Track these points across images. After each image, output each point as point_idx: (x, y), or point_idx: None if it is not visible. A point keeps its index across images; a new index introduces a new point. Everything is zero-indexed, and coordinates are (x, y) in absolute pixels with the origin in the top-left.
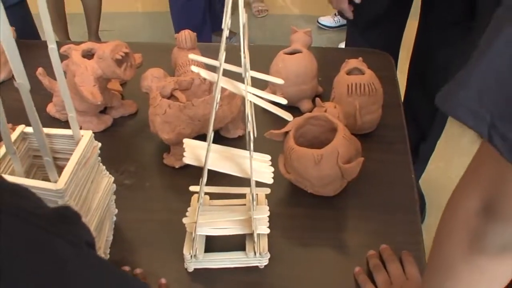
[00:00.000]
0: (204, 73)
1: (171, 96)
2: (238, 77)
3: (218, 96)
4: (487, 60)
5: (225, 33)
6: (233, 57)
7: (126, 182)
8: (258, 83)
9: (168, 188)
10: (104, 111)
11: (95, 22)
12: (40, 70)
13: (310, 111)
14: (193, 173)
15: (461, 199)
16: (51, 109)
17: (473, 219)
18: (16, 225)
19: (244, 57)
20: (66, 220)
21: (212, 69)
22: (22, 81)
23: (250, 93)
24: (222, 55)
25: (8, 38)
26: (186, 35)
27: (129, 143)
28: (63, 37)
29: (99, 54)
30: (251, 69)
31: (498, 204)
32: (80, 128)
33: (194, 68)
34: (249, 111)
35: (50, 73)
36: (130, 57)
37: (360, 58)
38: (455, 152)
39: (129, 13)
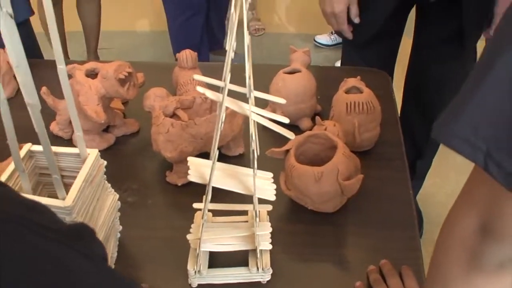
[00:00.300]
0: (209, 94)
1: (173, 115)
2: (240, 96)
3: (223, 115)
4: (482, 92)
5: (230, 54)
6: (233, 75)
7: (129, 199)
8: (257, 102)
9: (171, 206)
10: (106, 129)
11: (94, 41)
12: (44, 89)
13: (310, 129)
14: (195, 190)
15: (457, 218)
16: (54, 127)
17: (470, 238)
18: (26, 236)
19: (249, 78)
20: (82, 235)
21: (214, 88)
22: (33, 101)
23: (254, 112)
24: (227, 75)
25: (22, 59)
26: (187, 55)
27: (131, 161)
28: (63, 55)
29: (102, 74)
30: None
31: (494, 224)
32: None
33: (200, 89)
34: (253, 130)
35: (53, 92)
36: (133, 76)
37: (358, 77)
38: (451, 168)
39: (128, 32)
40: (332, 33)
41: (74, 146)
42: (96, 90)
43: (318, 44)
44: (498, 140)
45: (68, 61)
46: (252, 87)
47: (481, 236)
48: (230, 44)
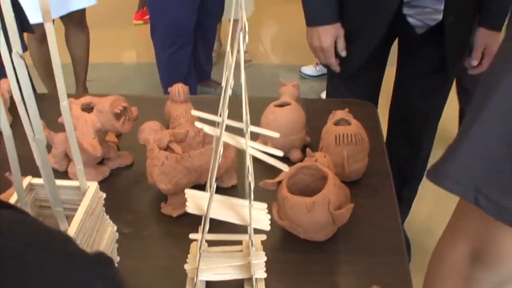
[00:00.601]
0: (208, 129)
1: (168, 148)
2: (233, 129)
3: (221, 149)
4: (473, 134)
5: (228, 91)
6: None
7: (125, 231)
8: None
9: (166, 236)
10: (101, 162)
11: (83, 73)
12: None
13: (300, 160)
14: (190, 221)
15: (448, 248)
16: (49, 159)
17: (462, 265)
18: (51, 262)
19: (246, 114)
20: (103, 262)
21: (207, 121)
22: (40, 137)
23: (250, 146)
24: (225, 111)
25: (30, 97)
26: (179, 89)
27: (126, 193)
28: (51, 88)
29: (98, 108)
30: (241, 121)
31: (485, 251)
32: None
33: (198, 124)
34: (249, 163)
35: (48, 125)
36: (128, 111)
37: (346, 109)
38: (437, 194)
39: (115, 64)
40: (317, 64)
41: (69, 178)
42: (92, 124)
43: (303, 75)
44: (488, 176)
45: (68, 95)
46: (249, 123)
47: (473, 263)
48: (228, 82)
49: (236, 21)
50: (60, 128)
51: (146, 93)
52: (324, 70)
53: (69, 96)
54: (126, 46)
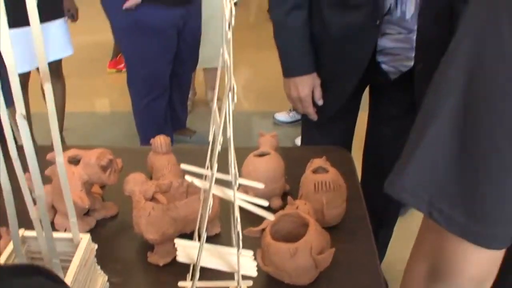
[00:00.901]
0: (197, 182)
1: (153, 199)
2: (218, 180)
3: (211, 201)
4: (421, 151)
5: (217, 147)
6: (201, 157)
7: (113, 280)
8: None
9: (154, 285)
10: (87, 213)
11: (59, 122)
12: (27, 175)
13: (281, 207)
14: (177, 270)
15: (412, 265)
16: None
17: (423, 282)
18: None
19: (234, 167)
20: None
21: (190, 172)
22: (40, 193)
23: (238, 198)
24: (214, 165)
25: (32, 155)
26: (162, 140)
27: (113, 243)
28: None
29: (85, 161)
30: (221, 171)
31: (440, 266)
32: (65, 230)
33: (188, 178)
34: (237, 214)
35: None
36: (114, 163)
37: (324, 157)
38: (412, 236)
39: (91, 113)
40: (290, 110)
41: (55, 230)
42: (79, 177)
43: (277, 122)
44: (438, 189)
45: (49, 147)
46: (237, 175)
47: (431, 280)
48: (217, 140)
49: (217, 69)
50: (46, 179)
51: (122, 142)
52: (298, 116)
53: (48, 148)
54: (101, 95)
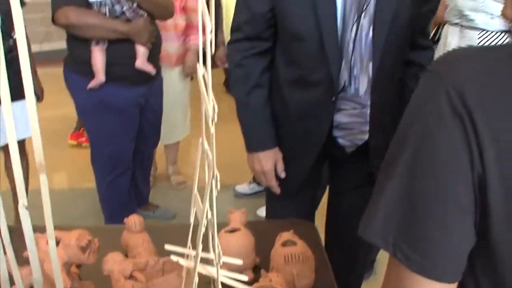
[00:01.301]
0: (183, 262)
1: (131, 277)
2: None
3: (196, 280)
4: (386, 194)
5: (202, 229)
6: (175, 234)
7: None
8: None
9: None
10: None
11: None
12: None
13: (254, 280)
14: None
15: None
16: None
17: None
18: None
19: (217, 247)
20: None
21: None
22: (38, 275)
23: (221, 275)
24: (199, 245)
25: (32, 244)
26: (136, 220)
27: None
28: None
29: (65, 243)
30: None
31: None
32: None
33: (174, 257)
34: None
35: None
36: (92, 243)
37: (292, 231)
38: None
39: (52, 190)
40: (250, 182)
41: None
42: (60, 258)
43: (238, 194)
44: (401, 231)
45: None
46: (221, 254)
47: None
48: (201, 223)
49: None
50: (25, 261)
51: (86, 218)
52: (258, 188)
53: (11, 228)
54: (63, 171)
